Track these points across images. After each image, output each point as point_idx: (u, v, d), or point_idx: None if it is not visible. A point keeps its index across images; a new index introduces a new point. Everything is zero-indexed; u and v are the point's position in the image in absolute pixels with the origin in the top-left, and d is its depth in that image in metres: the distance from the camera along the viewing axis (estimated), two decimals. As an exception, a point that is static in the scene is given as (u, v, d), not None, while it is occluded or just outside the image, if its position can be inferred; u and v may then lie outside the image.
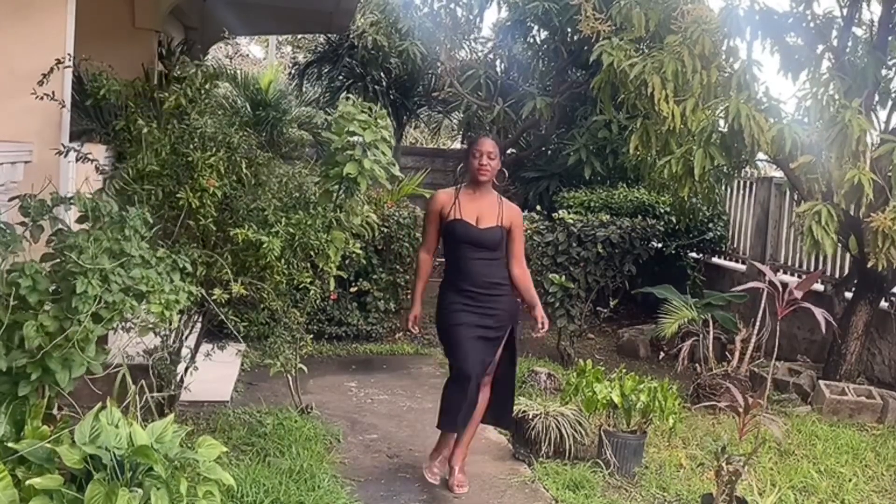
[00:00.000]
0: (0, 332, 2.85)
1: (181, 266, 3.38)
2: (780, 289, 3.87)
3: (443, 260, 4.41)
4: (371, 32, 11.25)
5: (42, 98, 3.94)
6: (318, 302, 5.16)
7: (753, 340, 5.97)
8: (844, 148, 5.33)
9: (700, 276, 8.34)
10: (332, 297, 6.90)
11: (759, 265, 4.97)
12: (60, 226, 3.19)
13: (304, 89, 12.23)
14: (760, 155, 6.20)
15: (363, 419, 5.35)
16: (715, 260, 8.86)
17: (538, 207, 8.53)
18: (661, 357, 6.98)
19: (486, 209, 4.26)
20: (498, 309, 4.23)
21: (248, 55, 21.12)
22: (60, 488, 2.63)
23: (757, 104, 5.68)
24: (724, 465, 3.65)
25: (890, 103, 6.35)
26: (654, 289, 7.24)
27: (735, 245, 8.75)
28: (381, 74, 11.89)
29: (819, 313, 3.83)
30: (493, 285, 4.23)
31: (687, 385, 6.13)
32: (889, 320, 6.54)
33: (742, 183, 8.63)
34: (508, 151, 10.03)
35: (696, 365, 6.18)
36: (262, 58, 20.59)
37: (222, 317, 4.20)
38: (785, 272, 7.70)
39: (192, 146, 4.19)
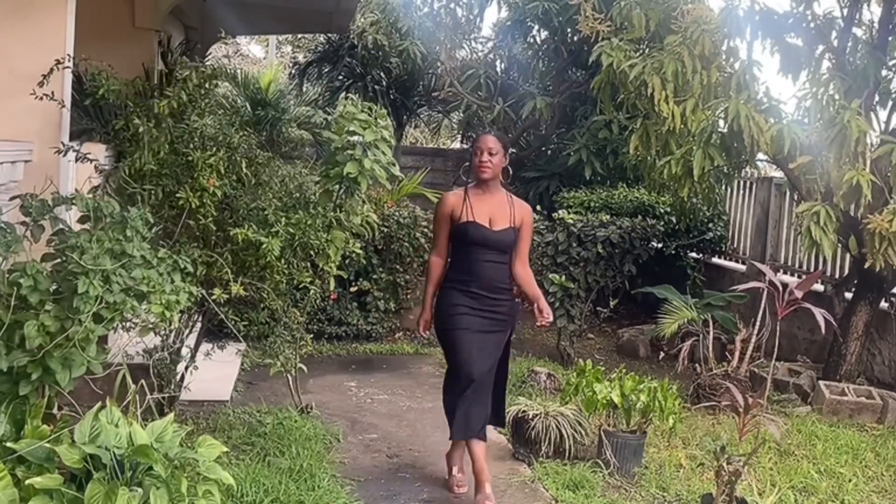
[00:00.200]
0: (1, 332, 2.85)
1: (182, 266, 3.38)
2: (780, 289, 3.87)
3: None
4: (371, 32, 11.26)
5: (42, 98, 3.94)
6: (318, 302, 5.16)
7: (753, 340, 5.97)
8: (843, 149, 5.33)
9: (700, 276, 8.35)
10: (332, 296, 6.91)
11: (759, 265, 4.97)
12: (61, 226, 3.19)
13: (304, 89, 12.23)
14: (760, 155, 6.20)
15: (363, 419, 5.35)
16: (715, 260, 8.86)
17: (538, 207, 8.54)
18: (661, 357, 6.98)
19: (498, 210, 4.18)
20: (500, 312, 4.17)
21: (248, 55, 21.12)
22: (60, 488, 2.63)
23: (757, 104, 5.68)
24: (723, 465, 3.65)
25: (890, 104, 6.35)
26: (654, 289, 7.24)
27: (735, 245, 8.75)
28: (382, 74, 11.90)
29: (819, 313, 3.84)
30: (500, 290, 4.17)
31: (687, 385, 6.13)
32: (889, 321, 6.54)
33: (742, 183, 8.63)
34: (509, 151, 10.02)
35: (696, 365, 6.18)
36: (262, 57, 20.60)
37: (222, 316, 4.20)
38: (785, 272, 7.70)
39: (191, 146, 4.19)
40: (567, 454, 4.65)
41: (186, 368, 4.49)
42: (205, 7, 8.18)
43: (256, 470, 4.06)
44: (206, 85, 4.32)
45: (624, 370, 4.87)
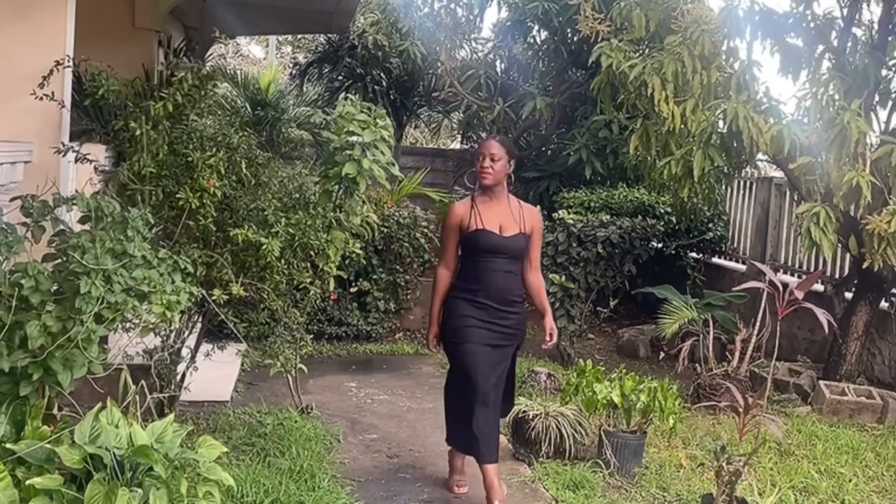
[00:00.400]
0: (2, 333, 2.85)
1: (182, 267, 3.38)
2: (781, 289, 3.87)
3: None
4: (371, 32, 11.26)
5: (42, 99, 3.94)
6: (318, 302, 5.16)
7: (753, 340, 5.97)
8: (843, 149, 5.33)
9: (700, 276, 8.35)
10: (332, 297, 6.91)
11: (759, 265, 4.97)
12: (62, 226, 3.19)
13: (304, 89, 12.24)
14: (760, 155, 6.20)
15: (363, 419, 5.35)
16: (715, 260, 8.86)
17: (538, 207, 8.52)
18: (661, 357, 6.98)
19: (507, 216, 4.08)
20: (508, 326, 4.06)
21: (248, 55, 21.12)
22: (60, 488, 2.63)
23: (757, 105, 5.68)
24: (724, 465, 3.65)
25: (890, 104, 6.35)
26: (655, 289, 7.24)
27: (735, 245, 8.75)
28: (382, 74, 11.90)
29: (820, 313, 3.84)
30: (509, 301, 4.05)
31: (687, 385, 6.13)
32: (889, 321, 6.54)
33: (742, 183, 8.63)
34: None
35: (696, 365, 6.18)
36: (262, 58, 20.60)
37: (223, 317, 4.20)
38: (785, 272, 7.70)
39: (191, 146, 4.19)
40: (567, 454, 4.65)
41: (186, 369, 4.49)
42: (205, 7, 8.18)
43: (257, 470, 4.06)
44: (204, 85, 4.31)
45: (624, 370, 4.87)
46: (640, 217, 7.82)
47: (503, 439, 4.99)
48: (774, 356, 4.45)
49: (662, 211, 8.34)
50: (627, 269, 7.26)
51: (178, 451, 2.90)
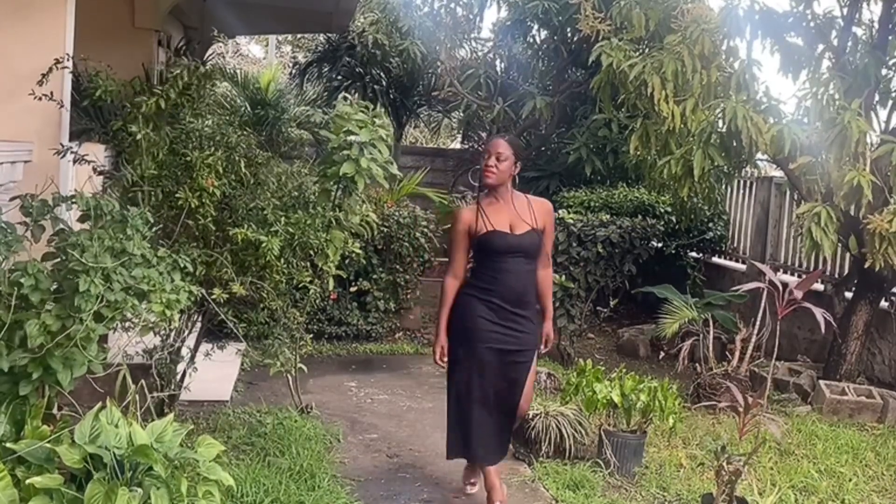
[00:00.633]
0: (2, 332, 2.85)
1: (182, 266, 3.38)
2: (780, 288, 3.86)
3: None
4: (371, 32, 11.25)
5: (41, 99, 3.94)
6: (317, 301, 5.15)
7: (753, 340, 5.97)
8: (844, 149, 5.32)
9: (700, 275, 8.34)
10: (331, 296, 6.90)
11: (759, 265, 4.97)
12: (61, 225, 3.19)
13: (303, 88, 12.24)
14: (760, 155, 6.20)
15: (363, 419, 5.35)
16: (715, 259, 8.86)
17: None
18: (661, 357, 6.98)
19: (515, 215, 3.95)
20: (521, 331, 3.95)
21: (247, 55, 21.12)
22: (60, 488, 2.63)
23: (756, 104, 5.68)
24: (724, 464, 3.64)
25: (890, 103, 6.35)
26: (655, 288, 7.24)
27: (735, 245, 8.75)
28: (381, 74, 11.89)
29: (819, 313, 3.83)
30: (523, 303, 3.95)
31: (687, 385, 6.13)
32: (889, 320, 6.53)
33: (742, 182, 8.63)
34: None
35: (696, 365, 6.18)
36: (261, 57, 20.60)
37: (222, 316, 4.20)
38: (785, 272, 7.70)
39: (190, 146, 4.19)
40: (567, 454, 4.65)
41: (186, 368, 4.49)
42: (205, 7, 8.18)
43: (256, 470, 4.06)
44: (203, 84, 4.29)
45: (624, 370, 4.87)
46: (640, 217, 7.82)
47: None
48: (774, 356, 4.44)
49: (662, 210, 8.34)
50: (627, 268, 7.26)
51: (178, 450, 2.90)
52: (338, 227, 4.26)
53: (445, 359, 4.02)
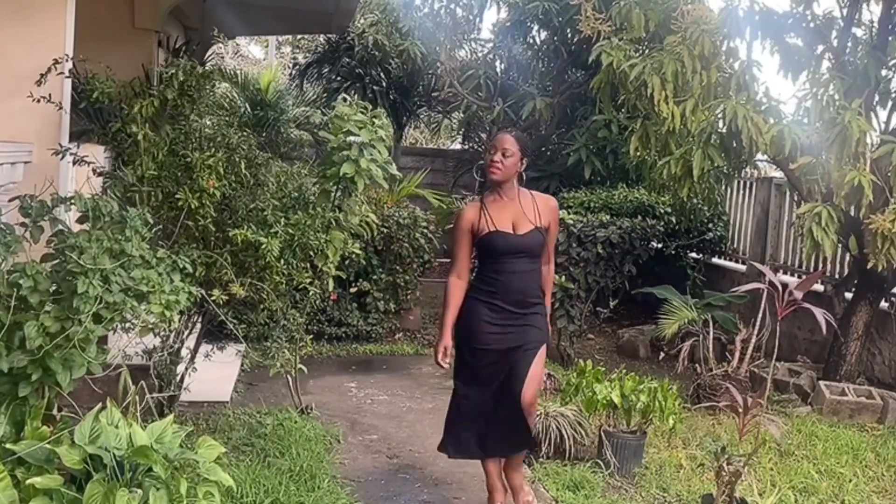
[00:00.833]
0: (1, 334, 2.85)
1: (181, 267, 3.38)
2: (780, 289, 3.87)
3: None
4: (371, 32, 11.27)
5: (39, 101, 3.94)
6: (317, 302, 5.15)
7: (753, 341, 5.97)
8: (844, 149, 5.32)
9: (700, 276, 8.34)
10: (331, 297, 6.90)
11: (759, 265, 4.98)
12: (60, 226, 3.19)
13: (303, 89, 12.25)
14: (760, 155, 6.20)
15: (363, 420, 5.35)
16: (715, 260, 8.85)
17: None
18: (661, 357, 6.97)
19: (519, 213, 3.83)
20: (528, 324, 3.85)
21: (247, 55, 21.12)
22: (60, 488, 2.63)
23: (756, 105, 5.68)
24: (724, 465, 3.64)
25: (890, 103, 6.34)
26: (654, 289, 7.24)
27: (735, 245, 8.75)
28: (381, 74, 11.90)
29: (819, 314, 3.83)
30: (528, 304, 3.85)
31: (687, 385, 6.13)
32: (889, 321, 6.53)
33: (742, 183, 8.62)
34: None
35: (696, 365, 6.18)
36: (261, 58, 20.60)
37: (222, 317, 4.20)
38: (785, 272, 7.69)
39: (190, 147, 4.18)
40: (567, 454, 4.64)
41: (186, 369, 4.49)
42: (205, 7, 8.18)
43: (256, 471, 4.06)
44: (202, 85, 4.28)
45: (624, 370, 4.87)
46: (639, 217, 7.81)
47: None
48: (774, 356, 4.45)
49: (662, 211, 8.33)
50: (627, 269, 7.25)
51: (178, 451, 2.90)
52: (337, 228, 4.27)
53: (447, 360, 3.91)
